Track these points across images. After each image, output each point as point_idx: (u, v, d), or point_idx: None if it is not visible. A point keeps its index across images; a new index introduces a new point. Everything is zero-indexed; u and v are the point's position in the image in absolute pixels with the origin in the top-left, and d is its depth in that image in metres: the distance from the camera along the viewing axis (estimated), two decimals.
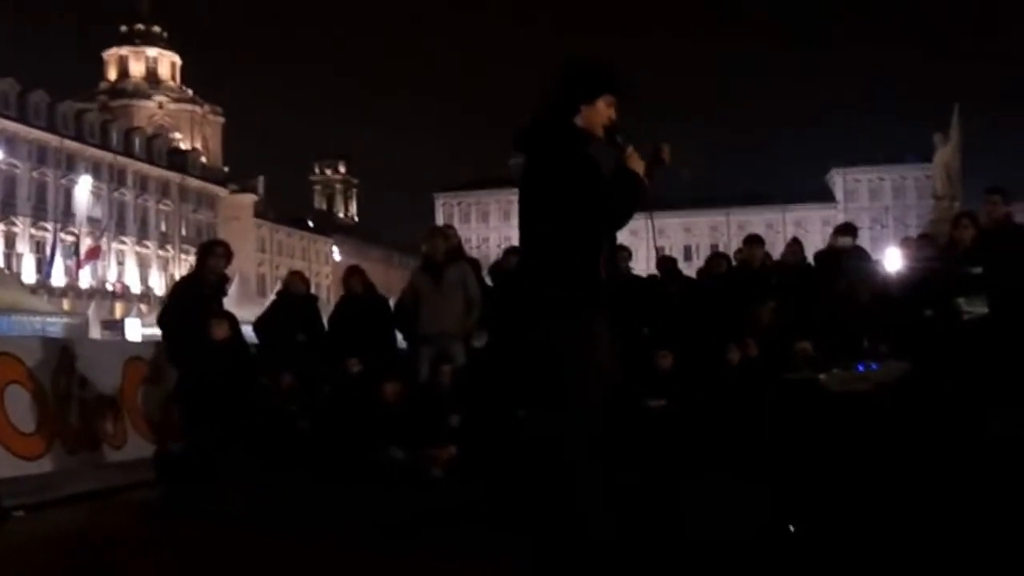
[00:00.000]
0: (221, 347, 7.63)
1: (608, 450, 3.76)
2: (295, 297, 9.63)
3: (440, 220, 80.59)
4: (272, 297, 12.00)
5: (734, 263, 10.11)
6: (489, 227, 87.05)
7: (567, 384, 3.66)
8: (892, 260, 12.53)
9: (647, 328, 9.06)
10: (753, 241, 9.91)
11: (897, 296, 8.68)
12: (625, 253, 9.93)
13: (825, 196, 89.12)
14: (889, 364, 7.43)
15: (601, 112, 3.75)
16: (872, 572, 3.98)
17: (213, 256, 8.02)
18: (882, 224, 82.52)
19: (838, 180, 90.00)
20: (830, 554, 4.22)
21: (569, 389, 3.65)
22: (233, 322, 7.98)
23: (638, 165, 3.72)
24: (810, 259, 10.03)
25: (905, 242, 10.52)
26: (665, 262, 10.76)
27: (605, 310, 3.73)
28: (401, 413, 7.71)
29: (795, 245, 10.34)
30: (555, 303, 3.68)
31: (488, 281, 9.17)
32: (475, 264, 9.18)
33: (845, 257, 9.16)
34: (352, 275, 9.56)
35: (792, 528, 4.55)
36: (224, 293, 8.33)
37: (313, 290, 11.26)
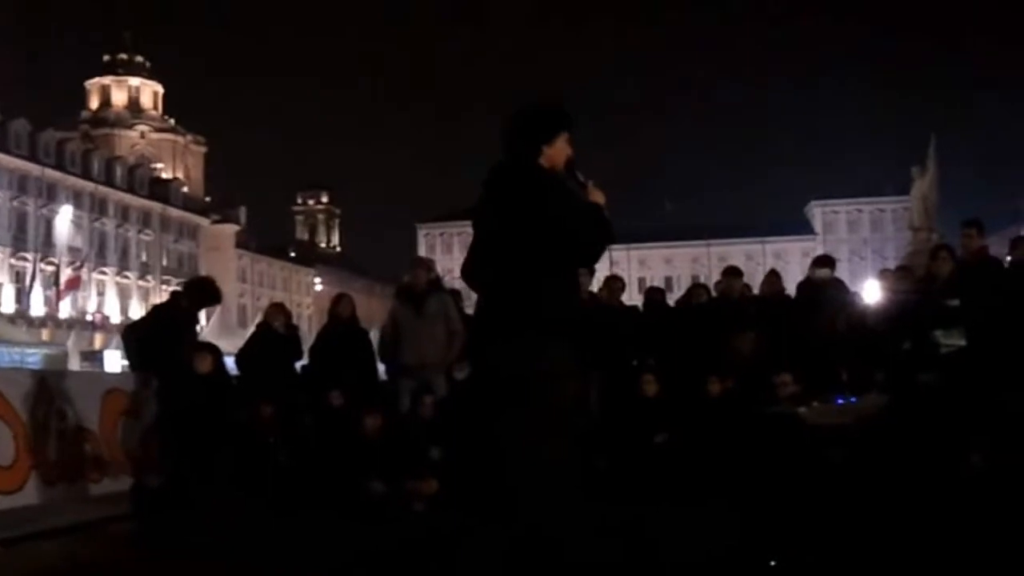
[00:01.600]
0: (202, 379, 7.61)
1: (580, 479, 3.80)
2: (275, 330, 9.60)
3: (423, 251, 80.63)
4: (252, 329, 11.98)
5: (714, 294, 10.18)
6: None
7: (533, 415, 3.73)
8: (871, 292, 12.64)
9: (636, 359, 9.11)
10: (732, 273, 9.99)
11: (875, 328, 8.75)
12: (619, 284, 9.98)
13: (804, 228, 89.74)
14: (868, 397, 7.49)
15: (561, 150, 3.94)
16: None
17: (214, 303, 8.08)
18: (860, 256, 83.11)
19: (817, 212, 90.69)
20: None
21: (535, 420, 3.72)
22: (216, 354, 7.97)
23: (599, 197, 3.90)
24: (790, 291, 10.10)
25: (883, 274, 10.62)
26: (652, 293, 10.84)
27: (573, 341, 3.82)
28: (382, 446, 7.69)
29: (773, 277, 10.42)
30: (521, 328, 3.77)
31: (469, 311, 9.18)
32: (456, 295, 9.21)
33: (824, 289, 9.24)
34: (340, 301, 9.55)
35: (773, 563, 4.56)
36: (197, 322, 8.32)
37: (295, 321, 11.23)
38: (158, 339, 7.84)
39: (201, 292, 8.31)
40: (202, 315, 8.92)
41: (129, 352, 8.36)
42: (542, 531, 3.61)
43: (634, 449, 7.91)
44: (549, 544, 3.62)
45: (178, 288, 8.79)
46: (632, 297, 11.68)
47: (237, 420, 8.47)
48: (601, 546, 4.13)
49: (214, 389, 7.74)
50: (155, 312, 8.81)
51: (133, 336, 8.28)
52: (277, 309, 10.05)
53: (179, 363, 7.60)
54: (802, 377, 8.03)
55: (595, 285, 10.39)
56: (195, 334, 8.13)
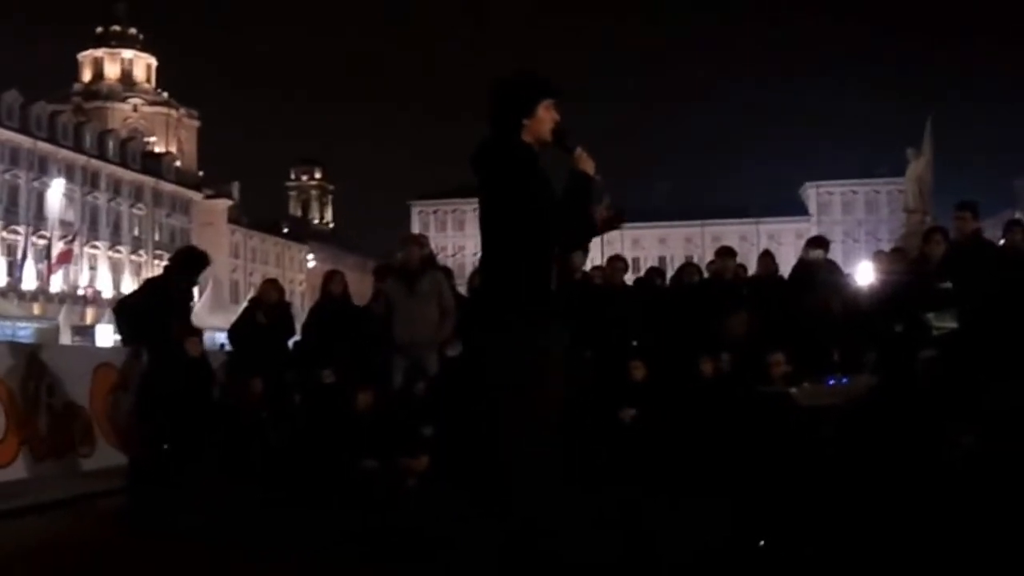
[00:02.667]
0: (192, 362, 7.58)
1: (561, 461, 3.79)
2: (268, 305, 9.59)
3: (416, 228, 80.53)
4: (244, 304, 11.96)
5: (706, 275, 10.17)
6: (465, 235, 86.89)
7: (515, 396, 3.72)
8: (864, 274, 12.65)
9: (634, 340, 9.09)
10: (725, 253, 9.99)
11: (868, 310, 8.76)
12: (620, 264, 9.95)
13: (798, 210, 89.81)
14: (859, 378, 7.49)
15: (544, 119, 3.83)
16: None
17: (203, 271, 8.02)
18: (854, 238, 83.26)
19: (811, 194, 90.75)
20: (799, 568, 4.24)
21: (517, 401, 3.71)
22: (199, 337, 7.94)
23: (588, 165, 3.79)
24: (784, 272, 10.10)
25: (877, 256, 10.63)
26: (650, 273, 10.84)
27: (555, 322, 3.79)
28: (374, 423, 7.68)
29: (767, 258, 10.42)
30: (504, 316, 3.76)
31: (464, 292, 9.18)
32: (448, 273, 9.18)
33: (817, 270, 9.24)
34: (332, 278, 9.54)
35: (762, 543, 4.57)
36: (191, 298, 8.28)
37: (287, 297, 11.20)
38: (150, 314, 7.80)
39: (191, 261, 8.23)
40: (195, 291, 8.87)
41: (121, 327, 8.32)
42: (530, 519, 3.61)
43: (621, 431, 7.93)
44: (538, 532, 3.62)
45: (169, 263, 8.71)
46: (629, 279, 11.65)
47: (220, 403, 8.50)
48: (587, 531, 4.14)
49: (200, 373, 7.71)
50: (147, 287, 8.76)
51: (125, 311, 8.23)
52: (270, 286, 10.07)
53: (169, 340, 7.57)
54: (794, 357, 8.03)
55: (594, 264, 10.40)
56: (188, 310, 8.09)
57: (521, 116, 3.81)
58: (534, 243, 3.74)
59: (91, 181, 64.38)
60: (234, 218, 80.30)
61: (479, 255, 4.05)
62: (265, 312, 9.41)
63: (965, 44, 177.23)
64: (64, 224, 59.01)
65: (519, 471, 3.67)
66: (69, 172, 61.57)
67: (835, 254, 10.68)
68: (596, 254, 9.37)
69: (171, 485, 7.08)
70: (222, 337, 9.42)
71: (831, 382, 7.47)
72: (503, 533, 3.64)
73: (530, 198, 3.72)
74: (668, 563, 4.52)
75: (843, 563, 4.32)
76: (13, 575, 4.76)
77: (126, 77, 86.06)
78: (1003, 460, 6.07)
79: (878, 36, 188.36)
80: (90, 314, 51.98)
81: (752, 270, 11.17)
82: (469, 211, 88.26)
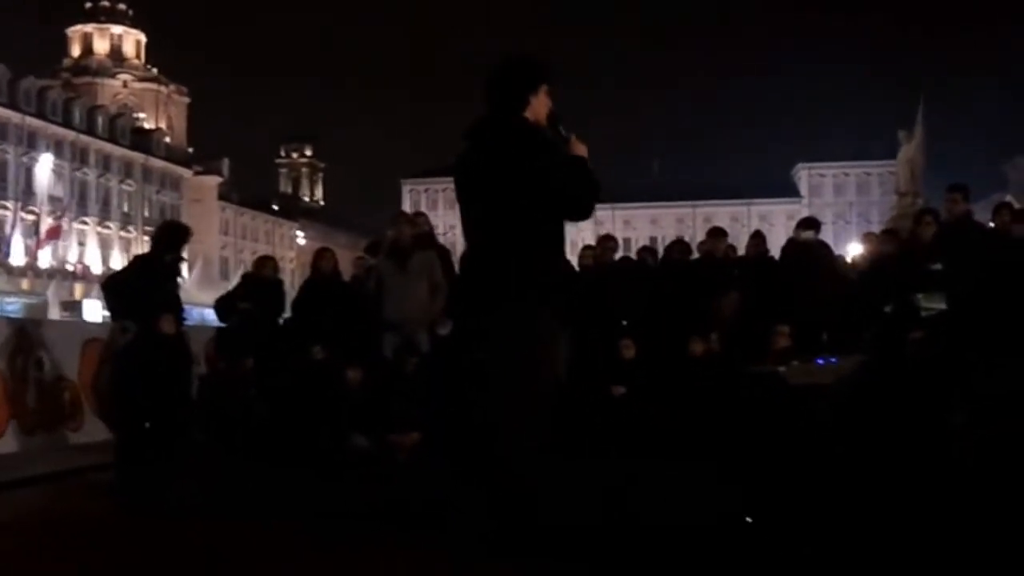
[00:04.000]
0: (165, 339, 7.51)
1: (557, 436, 3.83)
2: (263, 280, 9.60)
3: (407, 206, 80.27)
4: (237, 280, 11.94)
5: (696, 255, 10.18)
6: (456, 214, 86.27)
7: (514, 371, 3.74)
8: (855, 255, 12.68)
9: (624, 319, 9.10)
10: (716, 233, 10.00)
11: (858, 290, 8.79)
12: (611, 243, 9.96)
13: (790, 191, 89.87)
14: (849, 358, 7.53)
15: (543, 102, 3.93)
16: (828, 563, 4.03)
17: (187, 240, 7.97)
18: (846, 219, 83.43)
19: (803, 175, 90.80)
20: (786, 545, 4.27)
21: (516, 376, 3.73)
22: (178, 314, 7.87)
23: (582, 150, 3.89)
24: (775, 253, 10.12)
25: (867, 237, 10.67)
26: (642, 252, 10.84)
27: (556, 299, 3.82)
28: (364, 399, 7.69)
29: (757, 238, 10.43)
30: (506, 292, 3.78)
31: (458, 270, 9.15)
32: (445, 252, 9.15)
33: (808, 251, 9.26)
34: (322, 255, 9.54)
35: (748, 519, 4.59)
36: (179, 273, 8.22)
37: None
38: (139, 290, 7.76)
39: (174, 235, 8.13)
40: (183, 267, 8.81)
41: (109, 302, 8.28)
42: (514, 487, 3.65)
43: (610, 406, 7.95)
44: (524, 503, 3.65)
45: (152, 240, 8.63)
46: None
47: (207, 379, 8.49)
48: (578, 505, 4.16)
49: (177, 350, 7.66)
50: (136, 262, 8.71)
51: (114, 287, 8.19)
52: (265, 261, 10.13)
53: (155, 317, 7.52)
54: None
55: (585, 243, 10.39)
56: (177, 285, 8.04)
57: (528, 93, 3.89)
58: (547, 221, 3.80)
59: (80, 157, 64.05)
60: (224, 195, 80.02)
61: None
62: (254, 288, 9.41)
63: (958, 27, 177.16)
64: (53, 200, 58.70)
65: (508, 447, 3.69)
66: (58, 148, 61.23)
67: (826, 235, 10.73)
68: (588, 234, 9.35)
69: (157, 462, 7.06)
70: (211, 314, 9.37)
71: (820, 362, 7.50)
72: (488, 501, 3.68)
73: (547, 173, 3.76)
74: (646, 526, 4.56)
75: (830, 541, 4.34)
76: (2, 548, 4.76)
77: (115, 53, 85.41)
78: (992, 441, 6.10)
79: (871, 18, 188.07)
80: (79, 289, 51.86)
81: (742, 251, 11.19)
82: None
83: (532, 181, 3.76)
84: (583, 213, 3.88)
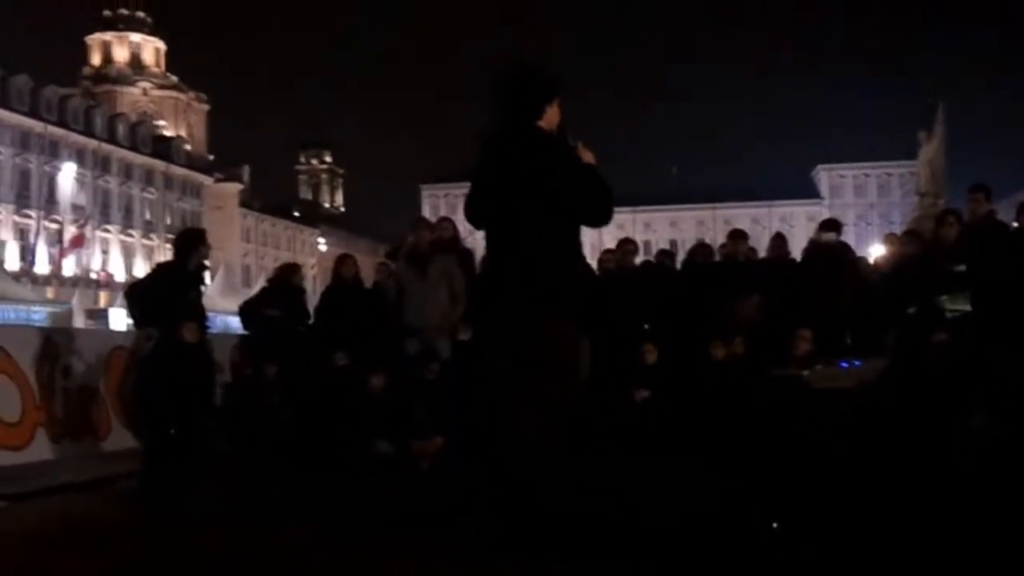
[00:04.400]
0: (187, 347, 7.58)
1: (578, 439, 3.86)
2: (289, 286, 9.65)
3: (427, 212, 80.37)
4: (263, 284, 11.97)
5: (718, 258, 10.14)
6: None
7: (514, 371, 3.79)
8: (876, 256, 12.59)
9: (645, 323, 9.07)
10: (737, 236, 9.95)
11: (880, 293, 8.73)
12: (631, 247, 9.95)
13: (810, 192, 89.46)
14: (872, 361, 7.48)
15: (555, 113, 4.02)
16: (853, 569, 4.01)
17: (204, 245, 7.97)
18: (867, 221, 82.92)
19: (823, 177, 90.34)
20: (812, 551, 4.25)
21: (516, 376, 3.77)
22: (201, 322, 7.92)
23: (589, 157, 3.98)
24: (796, 255, 10.08)
25: (889, 238, 10.58)
26: (660, 256, 10.80)
27: (566, 301, 3.87)
28: (387, 406, 7.71)
29: (779, 240, 10.39)
30: (507, 293, 3.86)
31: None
32: (468, 256, 9.13)
33: (829, 253, 9.21)
34: (344, 262, 9.58)
35: (775, 525, 4.58)
36: (203, 281, 8.27)
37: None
38: (161, 297, 7.82)
39: (190, 241, 8.15)
40: (207, 275, 8.86)
41: (132, 311, 8.34)
42: (516, 491, 3.68)
43: (632, 411, 7.94)
44: (533, 503, 3.68)
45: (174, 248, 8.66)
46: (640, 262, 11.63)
47: (231, 386, 8.51)
48: (590, 505, 4.18)
49: (200, 358, 7.71)
50: (159, 270, 8.77)
51: (136, 294, 8.25)
52: (293, 268, 10.26)
53: (168, 326, 7.58)
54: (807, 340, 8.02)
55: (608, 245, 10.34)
56: (200, 293, 8.09)
57: (544, 103, 3.98)
58: (563, 225, 3.86)
59: (102, 165, 64.52)
60: (245, 202, 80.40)
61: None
62: (280, 294, 9.45)
63: (980, 24, 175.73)
64: (76, 208, 59.19)
65: (508, 448, 3.74)
66: (80, 156, 61.71)
67: (848, 237, 10.64)
68: (608, 237, 9.36)
69: (181, 469, 7.11)
70: (234, 321, 9.41)
71: (844, 365, 7.46)
72: (488, 502, 3.72)
73: (563, 180, 3.83)
74: (664, 527, 4.57)
75: (854, 546, 4.33)
76: (31, 556, 4.81)
77: (135, 61, 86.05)
78: (1016, 444, 6.06)
79: (890, 18, 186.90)
80: (103, 298, 52.24)
81: (763, 253, 11.14)
82: None
83: (546, 187, 3.83)
84: (601, 219, 3.95)
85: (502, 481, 3.80)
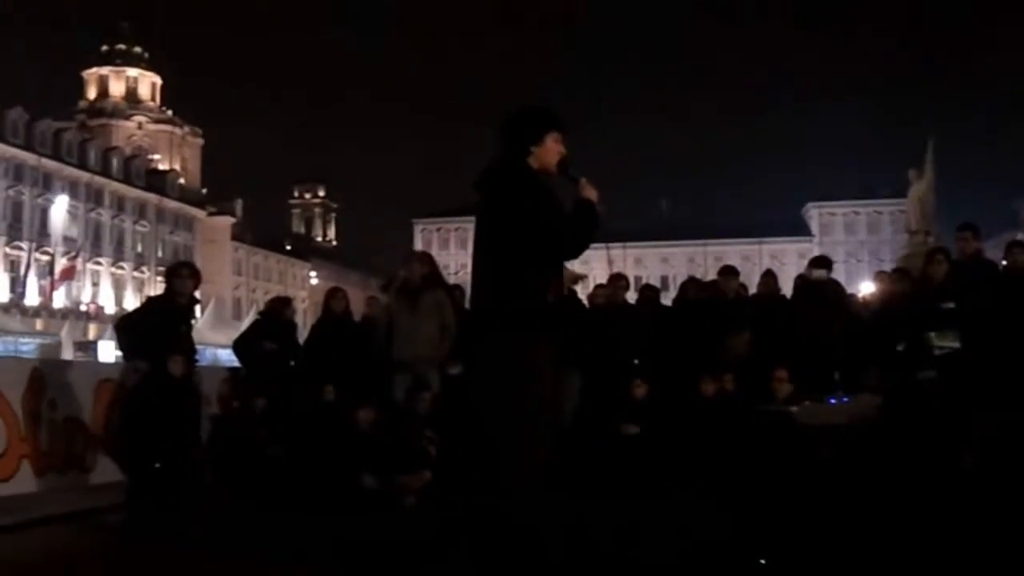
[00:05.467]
0: (175, 380, 7.56)
1: (566, 474, 3.85)
2: (281, 321, 9.65)
3: (419, 246, 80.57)
4: (254, 318, 11.98)
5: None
6: (468, 253, 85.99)
7: (496, 401, 3.84)
8: (866, 293, 12.65)
9: (634, 358, 9.07)
10: (728, 272, 9.98)
11: (870, 329, 8.76)
12: (623, 283, 9.96)
13: (801, 230, 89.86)
14: (861, 398, 7.50)
15: (551, 150, 4.05)
16: None
17: (179, 278, 7.98)
18: (857, 258, 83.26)
19: (814, 214, 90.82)
20: None
21: (498, 406, 3.79)
22: (190, 356, 7.92)
23: (592, 193, 4.01)
24: (786, 292, 10.10)
25: (879, 276, 10.64)
26: (645, 291, 10.82)
27: (549, 336, 3.91)
28: (374, 439, 7.67)
29: (768, 277, 10.42)
30: (498, 329, 3.88)
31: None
32: (458, 291, 9.16)
33: (820, 290, 9.24)
34: (334, 295, 9.58)
35: (763, 562, 4.56)
36: (192, 315, 8.26)
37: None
38: (150, 330, 7.81)
39: (182, 275, 8.15)
40: (197, 309, 8.85)
41: (122, 343, 8.33)
42: (515, 523, 3.67)
43: (621, 447, 7.92)
44: (523, 538, 3.67)
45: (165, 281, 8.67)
46: (629, 297, 11.65)
47: (219, 419, 8.48)
48: (580, 541, 4.16)
49: (185, 392, 7.69)
50: (149, 303, 8.76)
51: (126, 327, 8.24)
52: (285, 302, 10.28)
53: (156, 359, 7.56)
54: (796, 376, 8.04)
55: (599, 281, 10.35)
56: (190, 327, 8.08)
57: (529, 143, 4.02)
58: (534, 259, 3.88)
59: (95, 198, 64.56)
60: (237, 235, 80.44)
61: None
62: (273, 328, 9.44)
63: (968, 64, 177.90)
64: (67, 240, 59.14)
65: (507, 481, 3.73)
66: (73, 189, 61.77)
67: (838, 274, 10.68)
68: (599, 273, 9.38)
69: (168, 503, 7.07)
70: (224, 353, 9.40)
71: (832, 401, 7.47)
72: (486, 534, 3.71)
73: (535, 215, 3.87)
74: (662, 568, 4.54)
75: None
76: None
77: (131, 95, 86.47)
78: (1003, 481, 6.06)
79: (879, 56, 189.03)
80: (92, 330, 52.01)
81: (753, 290, 11.17)
82: (472, 229, 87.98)
83: (518, 222, 3.88)
84: (570, 252, 3.99)
85: (491, 514, 3.78)
